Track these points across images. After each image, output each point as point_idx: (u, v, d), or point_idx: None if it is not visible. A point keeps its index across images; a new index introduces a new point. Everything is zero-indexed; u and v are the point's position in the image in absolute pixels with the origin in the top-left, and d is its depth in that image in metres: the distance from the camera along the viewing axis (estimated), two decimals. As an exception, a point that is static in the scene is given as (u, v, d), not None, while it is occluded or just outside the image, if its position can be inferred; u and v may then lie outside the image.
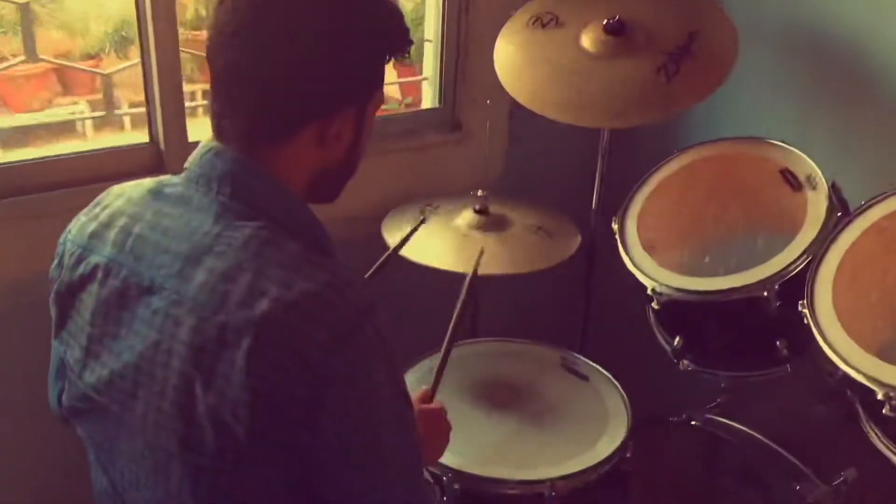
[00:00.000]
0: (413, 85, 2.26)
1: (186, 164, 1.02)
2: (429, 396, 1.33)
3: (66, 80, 2.38)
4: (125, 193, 1.05)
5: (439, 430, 1.28)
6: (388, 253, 1.53)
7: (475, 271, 1.46)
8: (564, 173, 2.24)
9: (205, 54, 0.99)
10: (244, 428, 0.89)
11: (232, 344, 0.89)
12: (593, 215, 1.98)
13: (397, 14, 1.02)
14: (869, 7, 1.74)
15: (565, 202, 2.00)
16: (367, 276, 1.44)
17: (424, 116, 2.19)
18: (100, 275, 0.99)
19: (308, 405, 0.89)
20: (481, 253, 1.51)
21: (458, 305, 1.40)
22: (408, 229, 1.64)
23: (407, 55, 1.06)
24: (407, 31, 1.04)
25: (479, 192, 1.87)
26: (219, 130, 1.00)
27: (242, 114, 0.97)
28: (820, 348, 1.34)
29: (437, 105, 2.19)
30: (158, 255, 0.96)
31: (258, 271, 0.91)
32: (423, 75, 2.23)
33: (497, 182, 2.16)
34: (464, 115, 2.17)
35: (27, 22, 1.75)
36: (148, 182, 1.05)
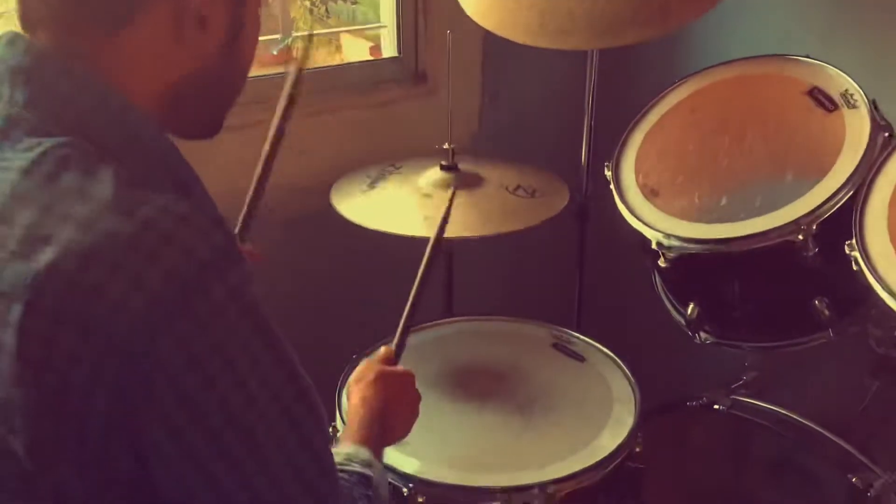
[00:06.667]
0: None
1: None
2: (391, 358, 1.10)
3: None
4: None
5: (406, 397, 1.05)
6: (429, 248, 1.20)
7: (448, 213, 1.22)
8: (548, 124, 2.00)
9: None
10: (23, 445, 0.61)
11: None
12: (583, 166, 1.72)
13: None
14: None
15: (550, 158, 1.76)
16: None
17: (383, 67, 1.93)
18: None
19: (117, 411, 0.60)
20: (453, 193, 1.29)
21: (429, 248, 1.17)
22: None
23: None
24: None
25: (446, 145, 1.61)
26: (24, 14, 0.71)
27: None
28: (878, 300, 1.09)
29: (396, 54, 1.92)
30: None
31: (46, 207, 0.63)
32: (382, 22, 1.96)
33: (469, 139, 1.92)
34: (429, 65, 1.92)
35: None
36: None
